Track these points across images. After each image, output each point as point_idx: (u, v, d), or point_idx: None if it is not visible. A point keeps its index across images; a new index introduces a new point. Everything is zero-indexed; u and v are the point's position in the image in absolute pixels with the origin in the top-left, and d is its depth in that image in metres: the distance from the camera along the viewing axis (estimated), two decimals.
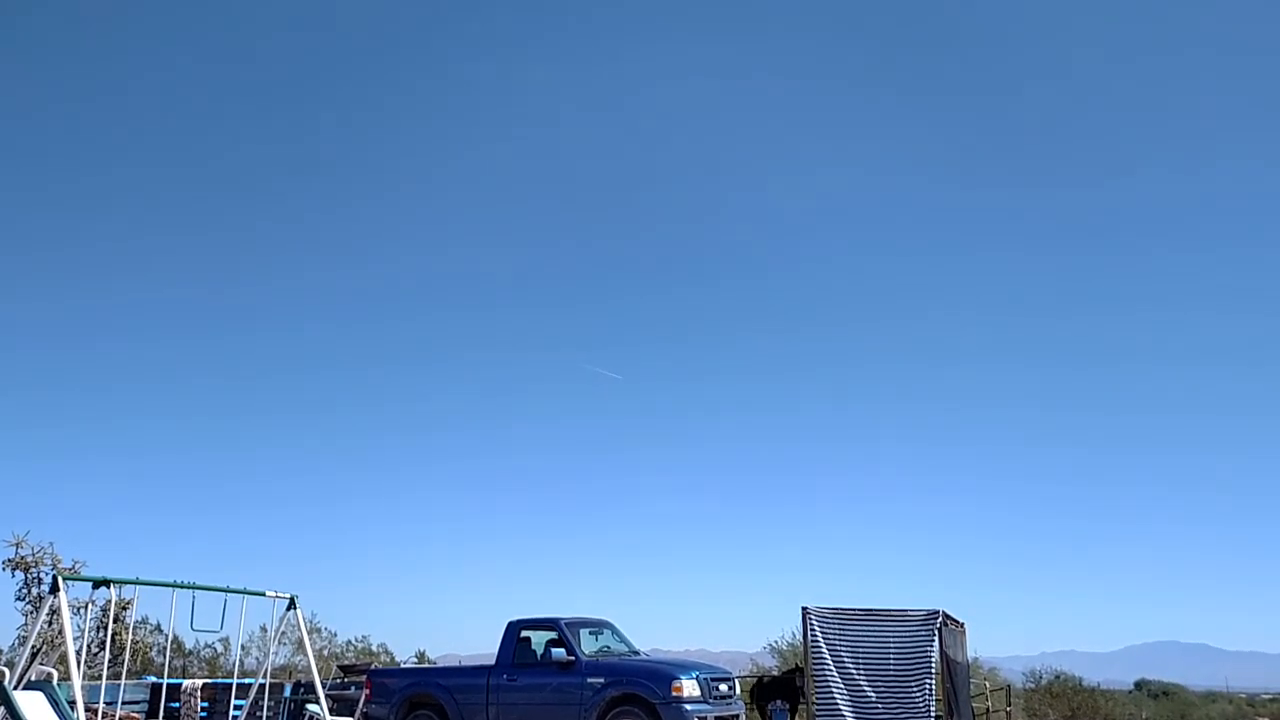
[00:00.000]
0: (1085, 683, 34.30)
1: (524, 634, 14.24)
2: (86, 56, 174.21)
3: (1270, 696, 62.59)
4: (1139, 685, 52.47)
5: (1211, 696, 52.80)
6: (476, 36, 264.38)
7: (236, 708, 17.03)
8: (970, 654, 19.22)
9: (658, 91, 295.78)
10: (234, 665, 21.94)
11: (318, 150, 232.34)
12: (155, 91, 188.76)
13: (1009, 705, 19.76)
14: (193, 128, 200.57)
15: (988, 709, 19.75)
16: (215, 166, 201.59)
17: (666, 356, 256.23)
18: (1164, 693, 49.19)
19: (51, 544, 22.57)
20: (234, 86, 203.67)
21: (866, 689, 14.44)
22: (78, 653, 11.58)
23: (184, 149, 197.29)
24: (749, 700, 16.60)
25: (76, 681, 10.99)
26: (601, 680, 13.05)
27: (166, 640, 23.60)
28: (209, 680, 21.07)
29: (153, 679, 20.47)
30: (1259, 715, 46.98)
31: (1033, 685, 33.31)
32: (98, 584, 12.14)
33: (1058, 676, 33.59)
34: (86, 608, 12.17)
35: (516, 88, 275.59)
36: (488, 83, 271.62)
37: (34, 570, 22.06)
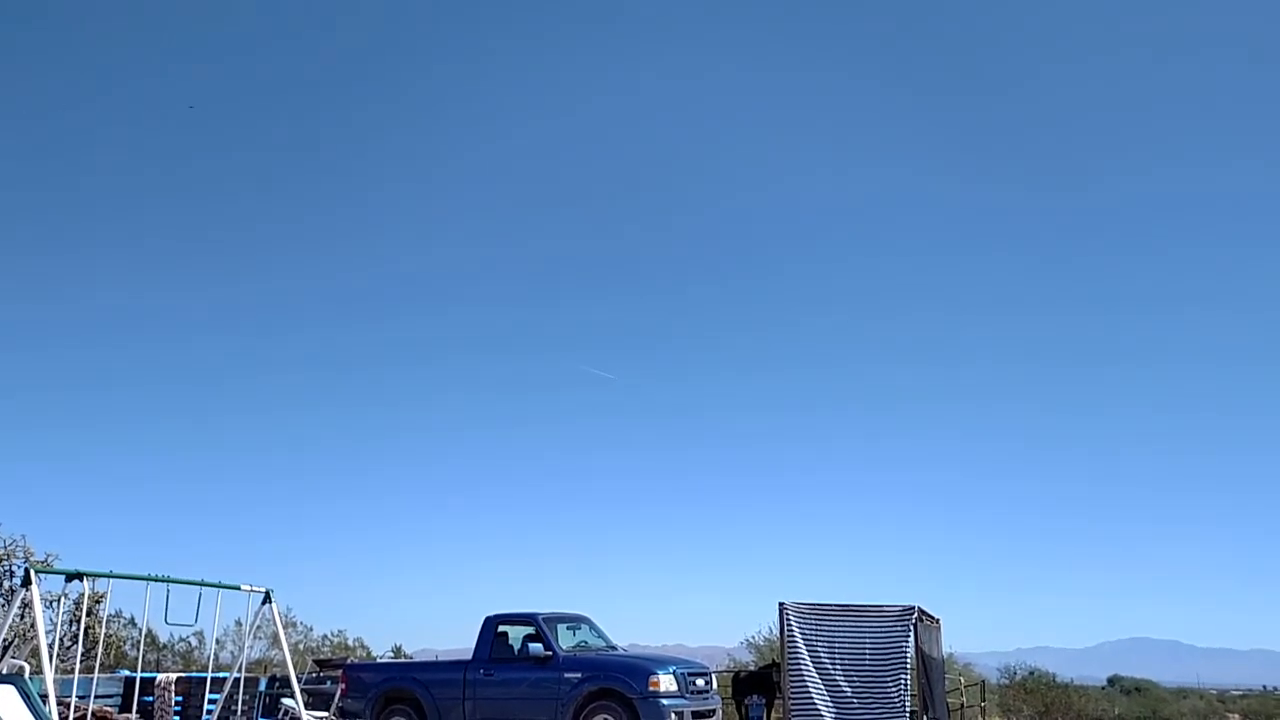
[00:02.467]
0: (1059, 679, 34.59)
1: (501, 629, 14.25)
2: (71, 59, 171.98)
3: (1240, 693, 63.42)
4: (1112, 681, 53.03)
5: (1183, 693, 53.43)
6: (472, 35, 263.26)
7: (211, 702, 16.91)
8: (945, 649, 19.33)
9: (654, 90, 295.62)
10: (209, 659, 21.81)
11: (307, 150, 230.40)
12: (150, 94, 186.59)
13: (983, 701, 19.96)
14: (187, 130, 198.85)
15: (962, 704, 19.91)
16: (208, 169, 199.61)
17: (656, 355, 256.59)
18: (1136, 689, 49.70)
19: (24, 537, 22.41)
20: (227, 86, 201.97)
21: (842, 684, 14.51)
22: (50, 646, 11.49)
23: (179, 151, 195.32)
24: (726, 695, 16.67)
25: (48, 675, 10.91)
26: (579, 675, 13.08)
27: (140, 634, 23.47)
28: (183, 674, 20.91)
29: (126, 673, 20.28)
30: (1229, 712, 47.60)
31: (1007, 681, 33.58)
32: (71, 577, 12.05)
33: (1032, 672, 33.87)
34: (59, 601, 12.11)
35: (511, 86, 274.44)
36: (482, 81, 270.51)
37: (6, 563, 21.88)
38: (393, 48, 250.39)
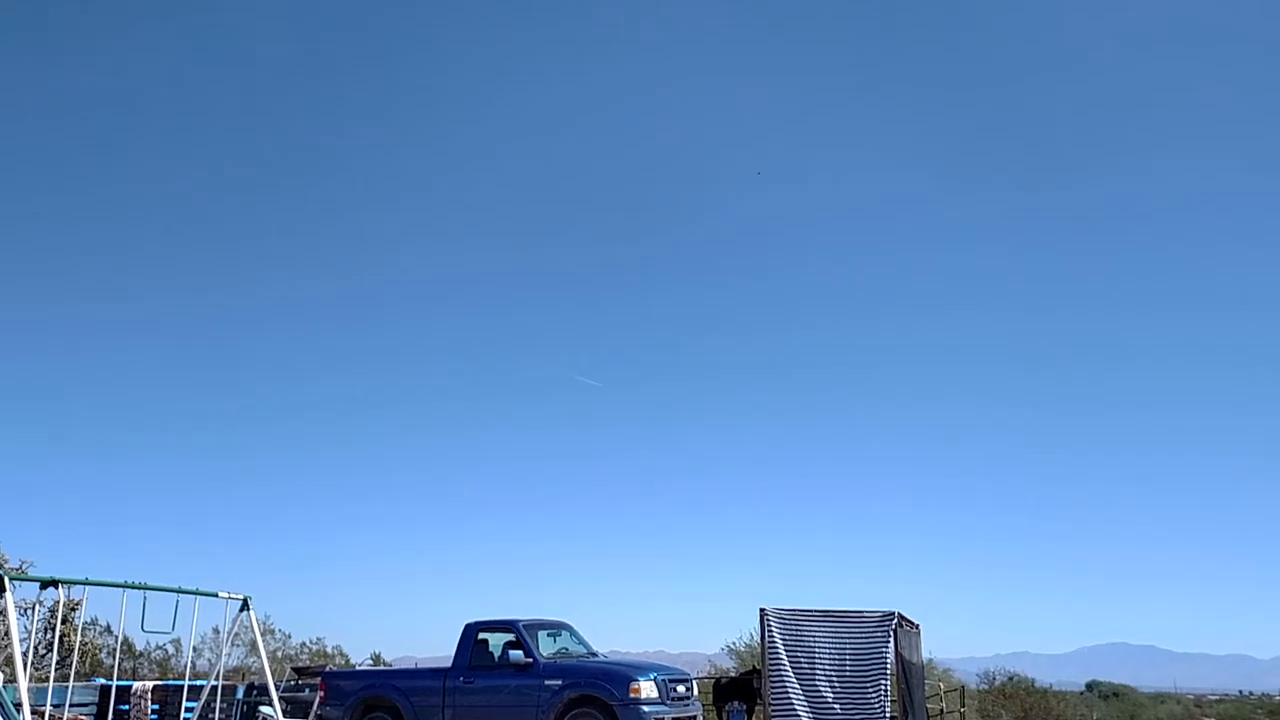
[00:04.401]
0: (1038, 684, 34.85)
1: (481, 636, 14.18)
2: (80, 63, 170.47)
3: (1217, 697, 64.03)
4: (1090, 686, 53.42)
5: (1160, 697, 53.85)
6: (469, 39, 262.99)
7: (188, 710, 16.79)
8: (925, 655, 19.40)
9: (650, 92, 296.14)
10: (186, 667, 21.63)
11: (302, 157, 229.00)
12: (150, 98, 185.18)
13: (963, 706, 20.04)
14: (185, 133, 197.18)
15: (942, 710, 19.97)
16: (204, 173, 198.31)
17: (640, 360, 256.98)
18: (1114, 694, 50.06)
19: None
20: (228, 91, 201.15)
21: (823, 689, 14.54)
22: (25, 654, 11.38)
23: (175, 155, 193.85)
24: (707, 701, 16.67)
25: (23, 683, 10.79)
26: (559, 682, 13.03)
27: (116, 641, 23.22)
28: (160, 682, 20.76)
29: (102, 681, 20.11)
30: (1206, 716, 48.01)
31: (986, 686, 33.75)
32: (45, 584, 11.93)
33: (1011, 678, 34.09)
34: (34, 608, 11.98)
35: (507, 90, 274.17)
36: (478, 86, 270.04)
37: None
38: (391, 52, 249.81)
